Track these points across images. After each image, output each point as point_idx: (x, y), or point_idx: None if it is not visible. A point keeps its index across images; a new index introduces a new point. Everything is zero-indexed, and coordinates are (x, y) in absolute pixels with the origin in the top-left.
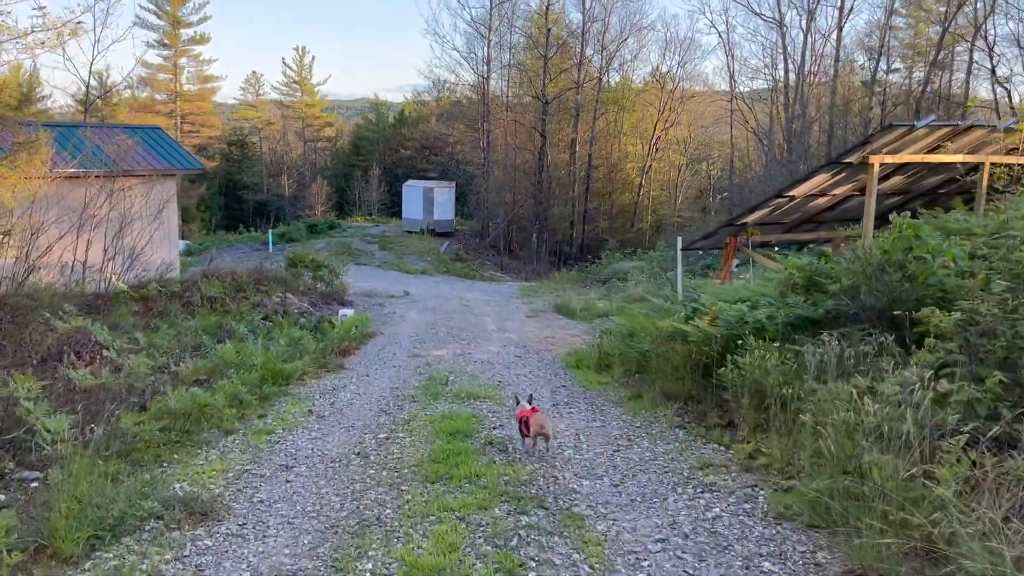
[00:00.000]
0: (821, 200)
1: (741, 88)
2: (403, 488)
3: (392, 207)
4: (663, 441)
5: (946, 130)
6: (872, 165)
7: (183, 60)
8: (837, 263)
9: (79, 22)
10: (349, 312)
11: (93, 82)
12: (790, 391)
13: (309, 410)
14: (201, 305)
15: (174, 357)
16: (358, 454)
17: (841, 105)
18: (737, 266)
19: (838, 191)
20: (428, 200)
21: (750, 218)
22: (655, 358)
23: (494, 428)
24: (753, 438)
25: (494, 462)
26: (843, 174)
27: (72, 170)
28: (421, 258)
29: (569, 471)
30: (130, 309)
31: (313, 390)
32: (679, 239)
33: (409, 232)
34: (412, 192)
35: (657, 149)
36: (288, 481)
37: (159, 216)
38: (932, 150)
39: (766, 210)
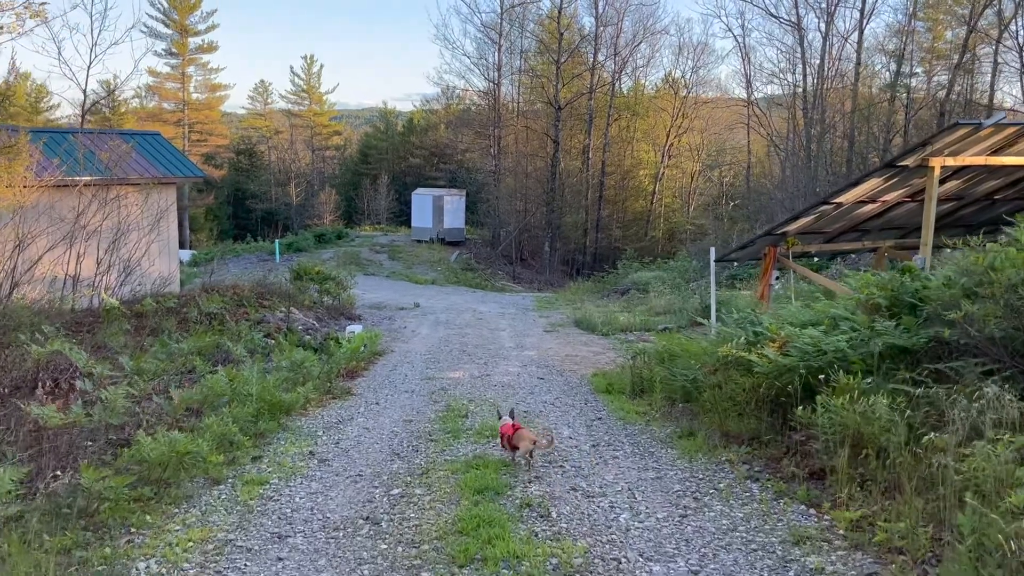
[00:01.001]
0: (868, 207)
1: (757, 94)
2: (424, 575)
3: (401, 216)
4: (737, 500)
5: (1012, 130)
6: (932, 168)
7: (191, 69)
8: (927, 280)
9: (43, 3)
10: (357, 328)
11: (95, 86)
12: (906, 444)
13: (310, 451)
14: (199, 322)
15: (162, 385)
16: (367, 518)
17: (864, 109)
18: (775, 279)
19: (888, 197)
20: (438, 208)
21: (792, 227)
22: (708, 389)
23: (529, 483)
24: (853, 499)
25: (535, 535)
26: (896, 179)
27: (58, 177)
28: (431, 268)
29: (632, 547)
30: (121, 327)
31: (316, 423)
32: (712, 249)
33: (418, 241)
34: (421, 200)
35: (670, 156)
36: (280, 559)
37: (157, 226)
38: (994, 152)
39: (810, 218)
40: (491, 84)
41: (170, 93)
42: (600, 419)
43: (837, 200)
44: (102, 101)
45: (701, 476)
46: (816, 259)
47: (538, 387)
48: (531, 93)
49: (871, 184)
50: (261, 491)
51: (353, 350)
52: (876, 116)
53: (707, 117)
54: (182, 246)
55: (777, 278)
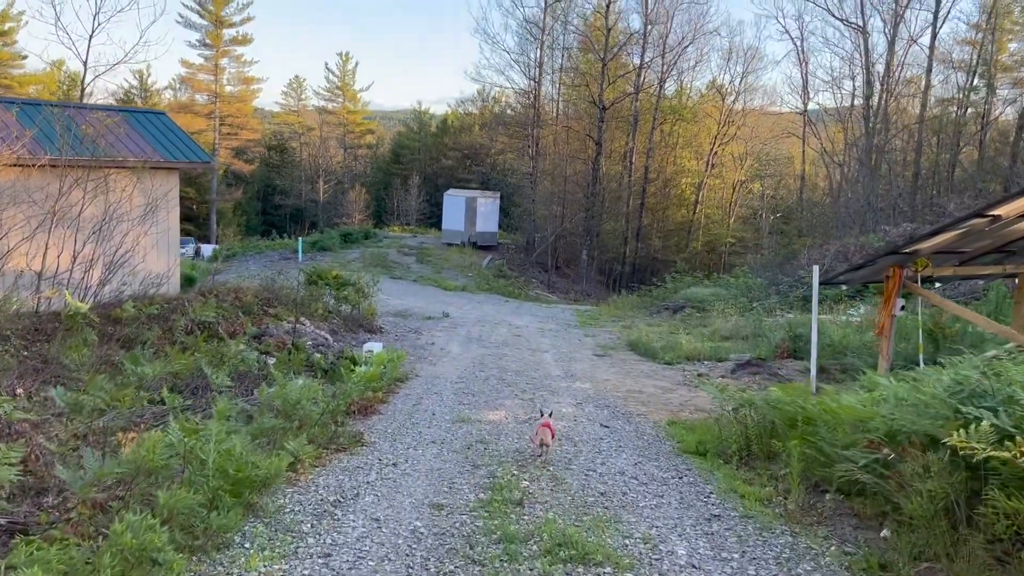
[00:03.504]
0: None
1: (811, 104)
2: None
3: (431, 217)
4: None
5: None
6: None
7: (224, 61)
8: None
9: None
10: (377, 346)
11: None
12: None
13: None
14: (190, 332)
15: (101, 431)
16: None
17: (935, 120)
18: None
19: None
20: (471, 211)
21: (927, 244)
22: (921, 497)
23: None
24: None
25: None
26: None
27: (46, 157)
28: (462, 273)
29: None
30: (85, 339)
31: (306, 502)
32: (815, 268)
33: (449, 244)
34: (453, 202)
35: (712, 165)
36: None
37: (152, 216)
38: None
39: (954, 233)
40: (531, 82)
41: (202, 85)
42: (717, 516)
43: (995, 212)
44: (95, 72)
45: None
46: (938, 286)
47: (605, 442)
48: (572, 91)
49: None
50: None
51: (369, 378)
52: (944, 128)
53: (754, 126)
54: (207, 240)
55: (903, 308)
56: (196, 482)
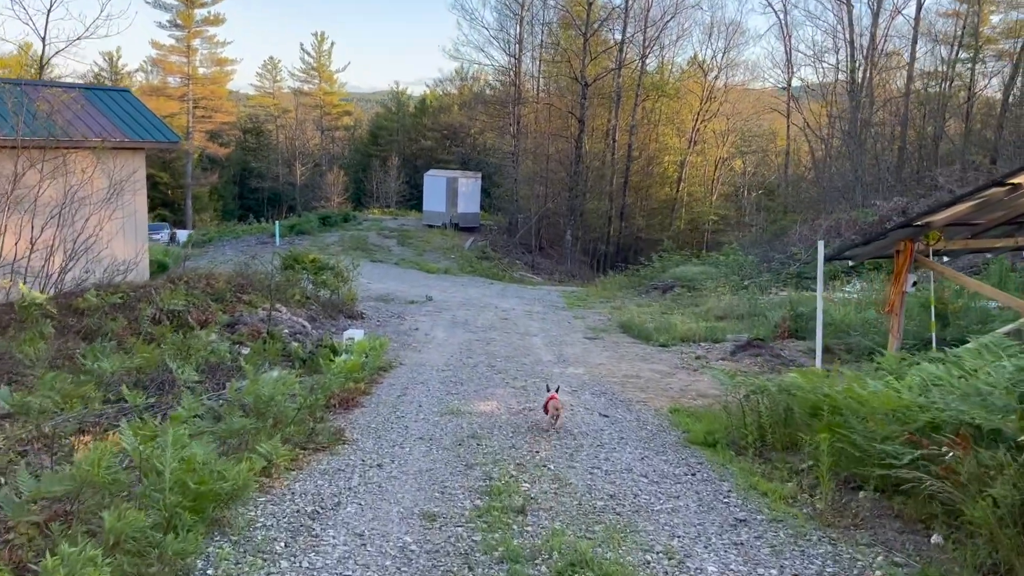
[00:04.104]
0: None
1: (796, 77)
2: None
3: (411, 199)
4: None
5: None
6: None
7: (196, 42)
8: None
9: None
10: (358, 333)
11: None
12: None
13: None
14: (157, 322)
15: (52, 434)
16: None
17: (921, 92)
18: (912, 285)
19: None
20: (452, 191)
21: (941, 216)
22: (986, 502)
23: None
24: None
25: None
26: None
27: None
28: (444, 255)
29: None
30: (41, 331)
31: (279, 517)
32: (820, 244)
33: (430, 226)
34: (434, 183)
35: (695, 142)
36: None
37: (118, 200)
38: None
39: (970, 204)
40: (511, 59)
41: (174, 67)
42: (744, 522)
43: (1015, 181)
44: (54, 49)
45: None
46: (946, 260)
47: (606, 433)
48: (553, 68)
49: None
50: None
51: (350, 368)
52: (930, 100)
53: (736, 101)
54: (183, 226)
55: (914, 283)
56: (152, 498)
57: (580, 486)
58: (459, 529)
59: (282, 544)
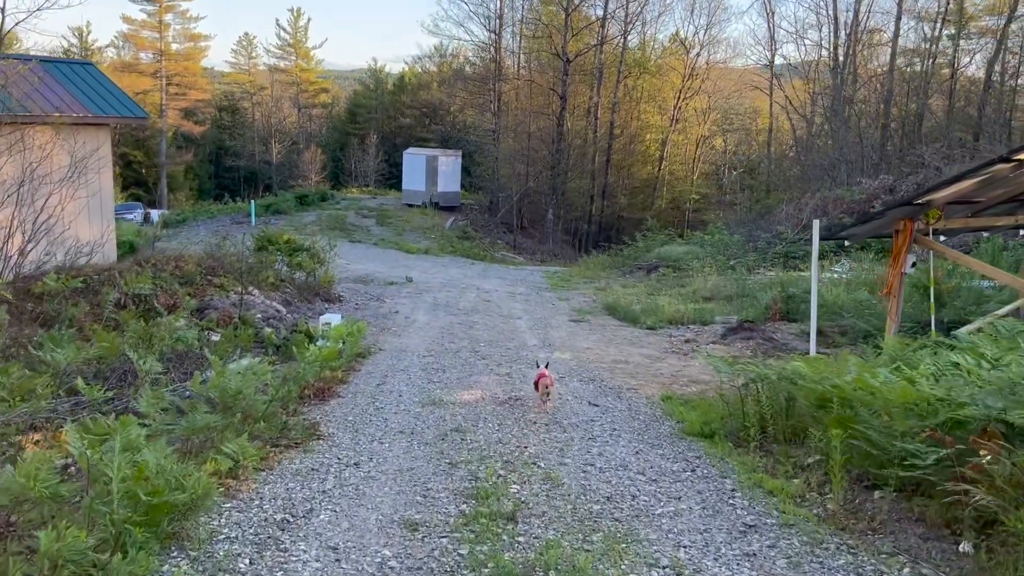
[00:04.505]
0: None
1: (779, 55)
2: None
3: (390, 178)
4: None
5: None
6: None
7: (169, 16)
8: None
9: None
10: (335, 318)
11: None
12: None
13: None
14: (122, 307)
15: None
16: None
17: (908, 66)
18: (912, 265)
19: None
20: (432, 170)
21: (943, 193)
22: (1006, 495)
23: None
24: None
25: None
26: None
27: None
28: (424, 235)
29: None
30: None
31: (244, 526)
32: (816, 223)
33: (410, 205)
34: (414, 161)
35: (677, 120)
36: None
37: (82, 178)
38: None
39: (974, 181)
40: (491, 34)
41: (146, 42)
42: (753, 527)
43: (1022, 156)
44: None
45: None
46: (943, 239)
47: (597, 424)
48: (534, 43)
49: None
50: None
51: (326, 356)
52: (913, 77)
53: (717, 79)
54: (157, 205)
55: (914, 264)
56: (100, 511)
57: (574, 487)
58: (443, 540)
59: (247, 560)
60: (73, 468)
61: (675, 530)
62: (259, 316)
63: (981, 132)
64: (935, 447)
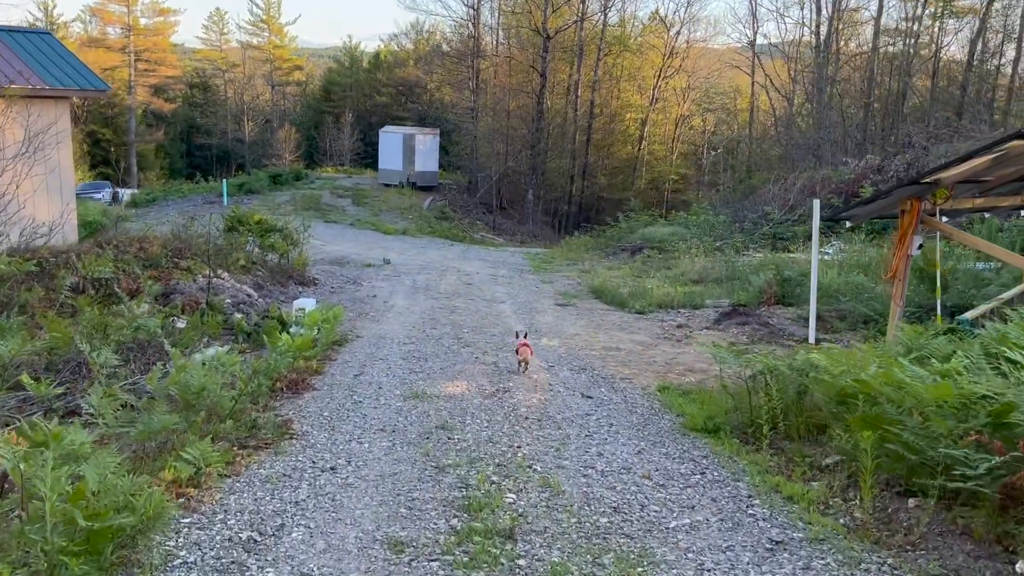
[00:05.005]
0: None
1: (760, 34)
2: None
3: (365, 157)
4: None
5: None
6: None
7: None
8: None
9: None
10: (310, 303)
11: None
12: None
13: None
14: (80, 291)
15: None
16: None
17: (891, 45)
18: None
19: None
20: (409, 149)
21: (953, 172)
22: None
23: None
24: None
25: None
26: None
27: None
28: (402, 216)
29: None
30: None
31: (205, 549)
32: (816, 203)
33: (387, 185)
34: (390, 139)
35: (657, 99)
36: None
37: (40, 154)
38: None
39: (986, 159)
40: (470, 9)
41: (113, 16)
42: (781, 544)
43: None
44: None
45: None
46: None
47: (593, 419)
48: (513, 19)
49: None
50: None
51: (299, 346)
52: (896, 57)
53: (697, 57)
54: (126, 185)
55: (920, 246)
56: (33, 540)
57: (575, 495)
58: (433, 564)
59: None
60: (6, 484)
61: (694, 548)
62: (228, 301)
63: (964, 111)
64: (985, 454)
